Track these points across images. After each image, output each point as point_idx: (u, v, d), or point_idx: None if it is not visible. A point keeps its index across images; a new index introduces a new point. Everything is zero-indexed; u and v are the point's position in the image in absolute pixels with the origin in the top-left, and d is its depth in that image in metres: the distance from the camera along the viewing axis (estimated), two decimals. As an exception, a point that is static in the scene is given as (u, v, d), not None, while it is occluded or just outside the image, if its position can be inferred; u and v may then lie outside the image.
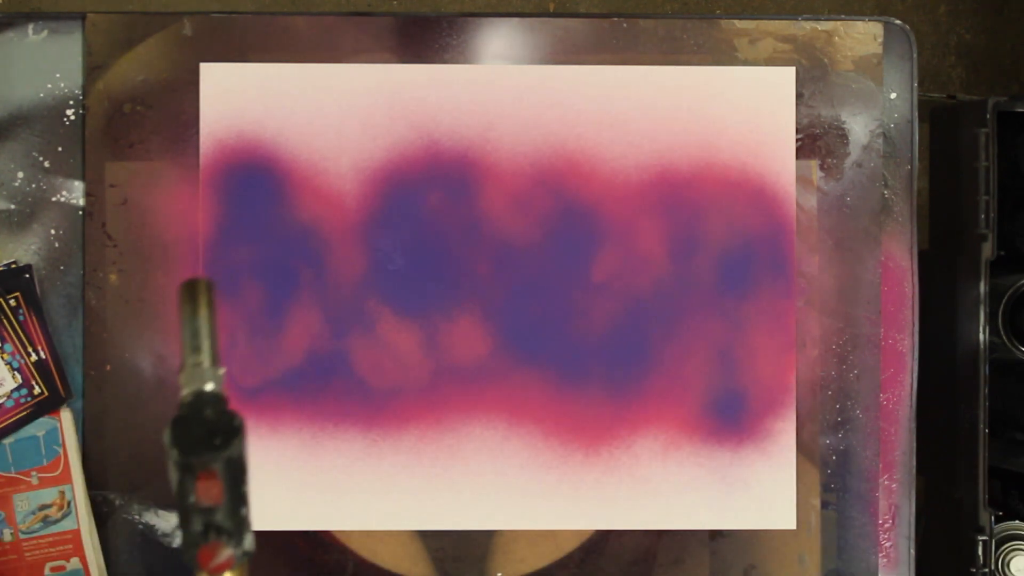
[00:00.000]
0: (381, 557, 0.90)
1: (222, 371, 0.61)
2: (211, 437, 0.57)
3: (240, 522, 0.57)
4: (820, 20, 0.92)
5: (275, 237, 0.90)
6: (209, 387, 0.59)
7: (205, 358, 0.60)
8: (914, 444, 0.92)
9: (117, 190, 0.90)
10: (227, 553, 0.57)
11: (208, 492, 0.57)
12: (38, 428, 0.88)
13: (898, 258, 0.92)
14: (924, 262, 0.96)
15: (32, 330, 0.88)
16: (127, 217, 0.90)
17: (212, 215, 0.90)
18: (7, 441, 0.88)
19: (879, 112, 0.92)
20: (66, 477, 0.88)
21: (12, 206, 0.90)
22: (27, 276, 0.89)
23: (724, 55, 0.92)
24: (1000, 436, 1.19)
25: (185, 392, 0.59)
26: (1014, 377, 1.15)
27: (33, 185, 0.90)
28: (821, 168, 0.92)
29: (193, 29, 0.90)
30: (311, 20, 0.91)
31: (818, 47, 0.92)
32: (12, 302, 0.88)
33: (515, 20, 0.92)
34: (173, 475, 0.57)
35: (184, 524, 0.57)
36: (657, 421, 0.91)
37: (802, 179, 0.92)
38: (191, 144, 0.90)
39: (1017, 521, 1.11)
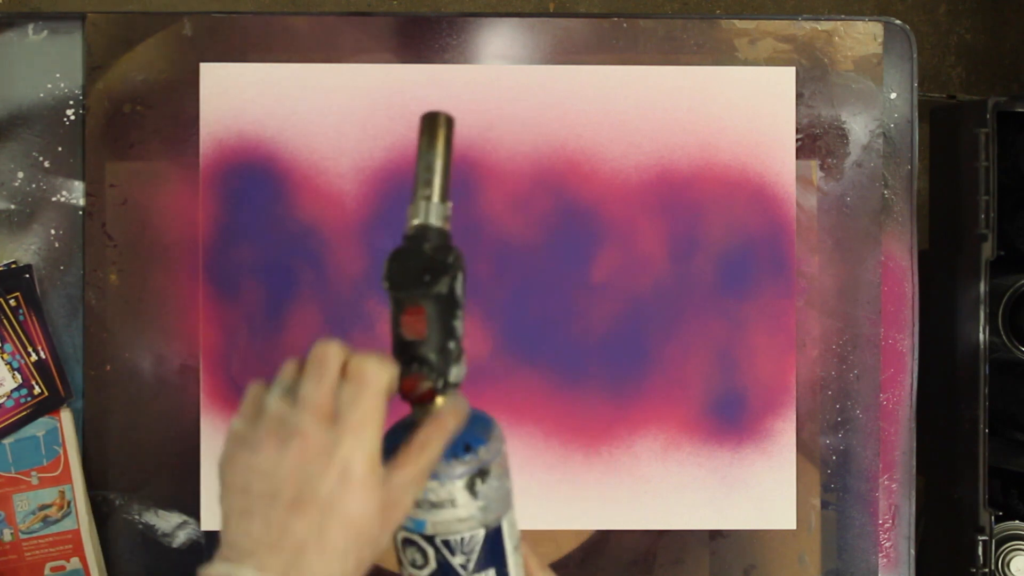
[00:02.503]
0: (381, 557, 0.90)
1: (449, 206, 0.60)
2: (421, 273, 0.57)
3: (446, 356, 0.58)
4: (820, 20, 0.92)
5: (275, 237, 0.90)
6: (434, 222, 0.59)
7: (435, 192, 0.60)
8: (914, 444, 0.92)
9: (117, 190, 0.90)
10: (426, 385, 0.58)
11: (412, 327, 0.58)
12: (38, 428, 0.88)
13: (898, 258, 0.92)
14: (924, 262, 0.96)
15: (32, 330, 0.88)
16: (127, 217, 0.90)
17: (212, 215, 0.90)
18: (7, 441, 0.88)
19: (879, 112, 0.92)
20: (66, 477, 0.88)
21: (12, 206, 0.90)
22: (27, 276, 0.89)
23: (724, 55, 0.92)
24: (1000, 436, 1.19)
25: (409, 224, 0.60)
26: (1014, 377, 1.15)
27: (33, 185, 0.90)
28: (821, 168, 0.92)
29: (193, 29, 0.90)
30: (311, 20, 0.91)
31: (818, 47, 0.92)
32: (12, 302, 0.88)
33: (515, 20, 0.92)
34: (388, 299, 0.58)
35: (394, 353, 0.59)
36: (657, 421, 0.91)
37: (802, 179, 0.92)
38: (191, 144, 0.90)
39: (1017, 521, 1.11)
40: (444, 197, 0.60)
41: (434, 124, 0.61)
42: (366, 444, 0.54)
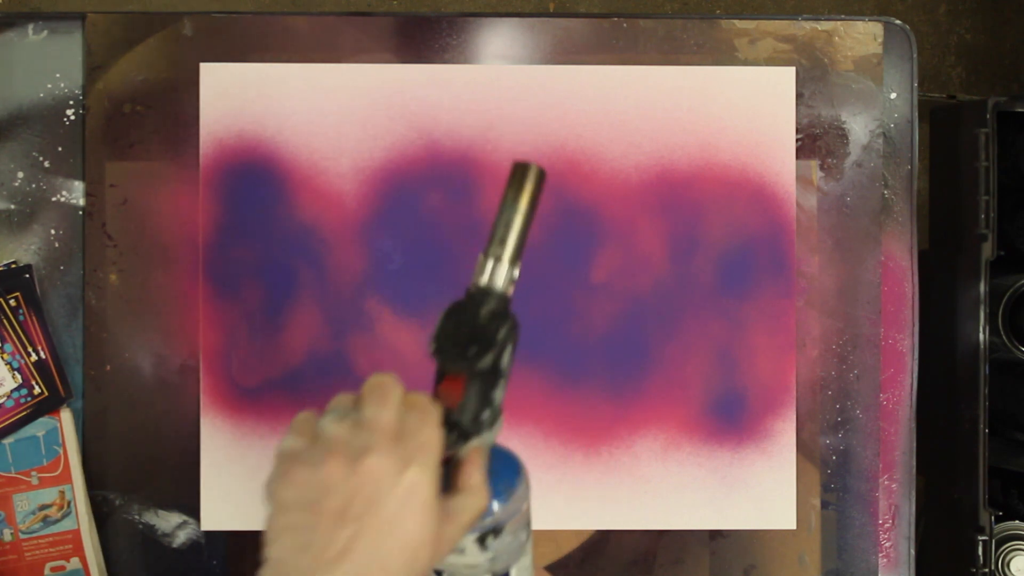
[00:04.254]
0: None
1: (517, 271, 0.58)
2: (468, 344, 0.55)
3: (477, 425, 0.56)
4: (820, 20, 0.92)
5: (275, 237, 0.90)
6: (498, 285, 0.57)
7: (507, 253, 0.57)
8: (914, 444, 0.92)
9: (117, 190, 0.90)
10: (447, 452, 0.56)
11: (449, 395, 0.56)
12: (38, 428, 0.88)
13: (898, 258, 0.92)
14: (924, 262, 0.96)
15: (32, 330, 0.88)
16: (127, 217, 0.90)
17: (212, 215, 0.90)
18: (7, 441, 0.88)
19: (879, 112, 0.92)
20: (66, 477, 0.88)
21: (12, 206, 0.90)
22: (27, 276, 0.89)
23: (724, 55, 0.92)
24: (1000, 436, 1.19)
25: (474, 280, 0.57)
26: (1014, 377, 1.15)
27: (33, 185, 0.90)
28: (821, 168, 0.92)
29: (193, 29, 0.90)
30: (311, 20, 0.91)
31: (818, 47, 0.92)
32: (12, 302, 0.88)
33: (515, 20, 0.92)
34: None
35: None
36: (657, 421, 0.91)
37: (802, 179, 0.92)
38: (191, 144, 0.90)
39: (1017, 521, 1.11)
40: (516, 259, 0.58)
41: (523, 177, 0.58)
42: (430, 470, 0.53)
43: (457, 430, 0.56)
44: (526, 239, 0.58)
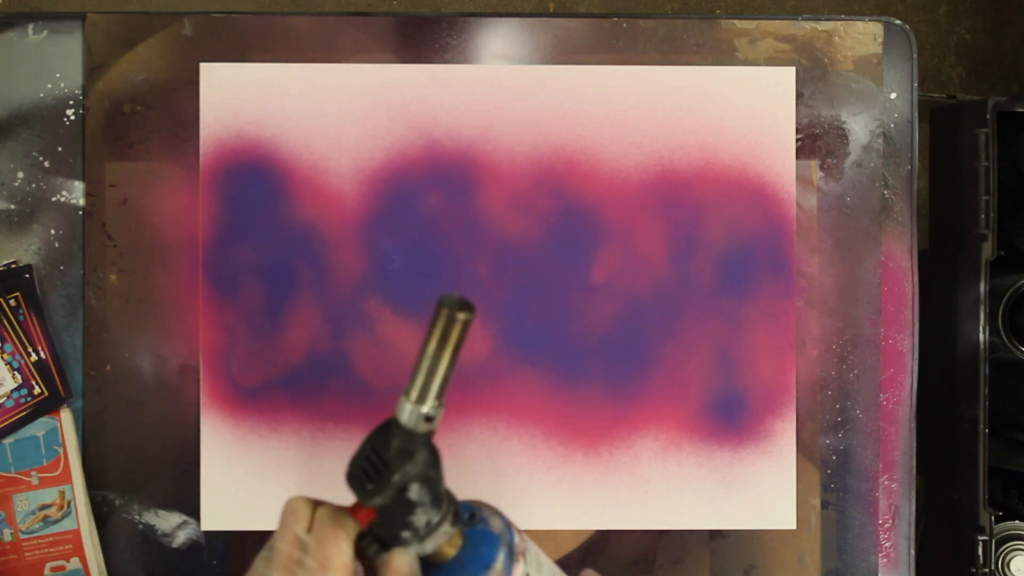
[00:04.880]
0: (381, 557, 0.90)
1: (437, 409, 0.58)
2: (365, 481, 0.57)
3: (401, 541, 0.59)
4: (820, 20, 0.92)
5: (275, 237, 0.90)
6: (408, 423, 0.58)
7: (418, 393, 0.58)
8: (914, 444, 0.92)
9: (117, 190, 0.90)
10: (377, 558, 0.59)
11: (361, 520, 0.59)
12: (38, 428, 0.88)
13: (898, 258, 0.92)
14: (924, 262, 0.96)
15: (32, 330, 0.88)
16: (127, 217, 0.90)
17: (212, 215, 0.90)
18: (7, 441, 0.88)
19: (879, 112, 0.92)
20: (66, 477, 0.88)
21: (12, 206, 0.90)
22: (27, 276, 0.89)
23: (724, 55, 0.92)
24: (1000, 436, 1.19)
25: (396, 412, 0.58)
26: (1014, 377, 1.15)
27: (33, 185, 0.90)
28: (821, 168, 0.92)
29: (193, 29, 0.90)
30: (311, 20, 0.91)
31: (818, 47, 0.92)
32: (12, 302, 0.88)
33: (515, 20, 0.92)
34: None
35: None
36: (657, 421, 0.91)
37: (802, 179, 0.92)
38: (191, 144, 0.90)
39: (1017, 521, 1.11)
40: (428, 399, 0.57)
41: (450, 325, 0.55)
42: None
43: (377, 543, 0.59)
44: (449, 378, 0.58)
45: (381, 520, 0.58)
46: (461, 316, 0.55)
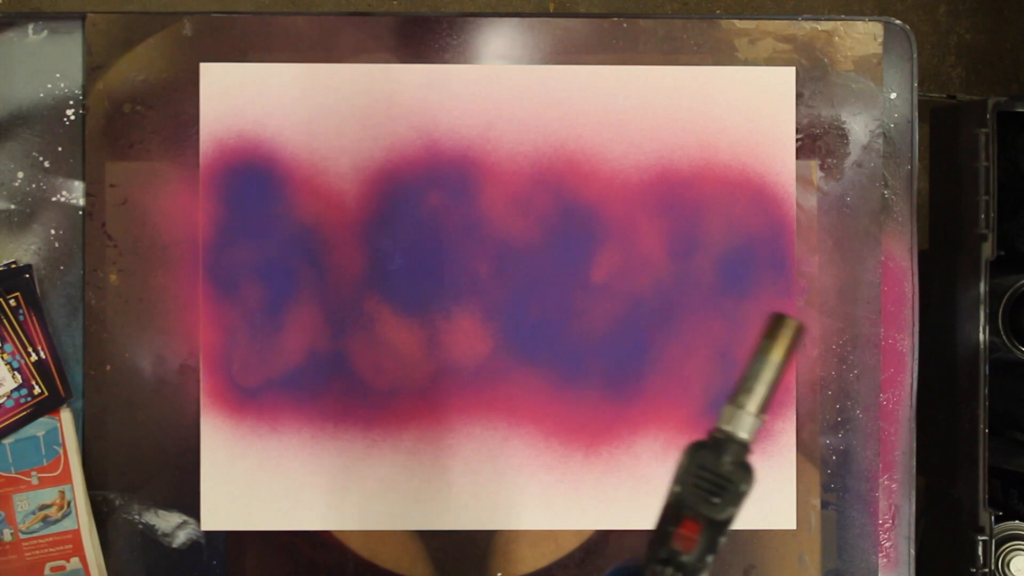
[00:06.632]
0: (381, 557, 0.90)
1: (761, 421, 0.58)
2: (712, 493, 0.56)
3: (702, 567, 0.57)
4: (820, 20, 0.92)
5: (275, 237, 0.90)
6: (742, 435, 0.57)
7: (753, 403, 0.58)
8: (914, 444, 0.92)
9: (117, 190, 0.90)
10: None
11: (684, 541, 0.57)
12: (38, 428, 0.88)
13: (898, 258, 0.92)
14: (924, 262, 0.96)
15: (32, 330, 0.88)
16: (127, 217, 0.90)
17: (212, 215, 0.90)
18: (7, 441, 0.88)
19: (879, 112, 0.92)
20: (66, 477, 0.88)
21: (12, 206, 0.90)
22: (27, 276, 0.89)
23: (724, 55, 0.92)
24: (1000, 436, 1.18)
25: (719, 424, 0.58)
26: (1014, 377, 1.15)
27: (33, 185, 0.90)
28: (821, 168, 0.92)
29: (193, 29, 0.90)
30: (311, 20, 0.91)
31: (818, 47, 0.92)
32: (12, 302, 0.88)
33: (515, 20, 0.92)
34: (668, 493, 0.57)
35: (654, 543, 0.58)
36: (657, 421, 0.91)
37: (802, 179, 0.92)
38: (191, 144, 0.90)
39: (1017, 521, 1.11)
40: (762, 410, 0.58)
41: (778, 329, 0.58)
42: None
43: (682, 572, 0.57)
44: (775, 392, 0.58)
45: (700, 543, 0.56)
46: (794, 322, 0.57)
